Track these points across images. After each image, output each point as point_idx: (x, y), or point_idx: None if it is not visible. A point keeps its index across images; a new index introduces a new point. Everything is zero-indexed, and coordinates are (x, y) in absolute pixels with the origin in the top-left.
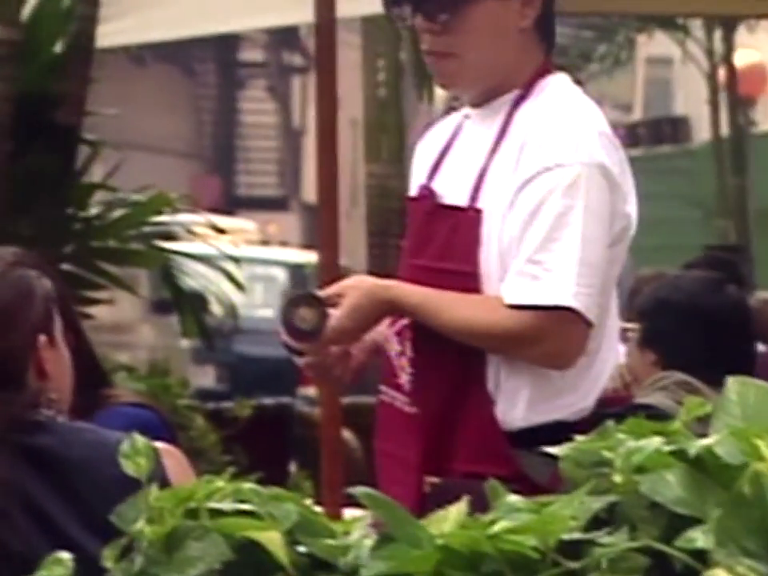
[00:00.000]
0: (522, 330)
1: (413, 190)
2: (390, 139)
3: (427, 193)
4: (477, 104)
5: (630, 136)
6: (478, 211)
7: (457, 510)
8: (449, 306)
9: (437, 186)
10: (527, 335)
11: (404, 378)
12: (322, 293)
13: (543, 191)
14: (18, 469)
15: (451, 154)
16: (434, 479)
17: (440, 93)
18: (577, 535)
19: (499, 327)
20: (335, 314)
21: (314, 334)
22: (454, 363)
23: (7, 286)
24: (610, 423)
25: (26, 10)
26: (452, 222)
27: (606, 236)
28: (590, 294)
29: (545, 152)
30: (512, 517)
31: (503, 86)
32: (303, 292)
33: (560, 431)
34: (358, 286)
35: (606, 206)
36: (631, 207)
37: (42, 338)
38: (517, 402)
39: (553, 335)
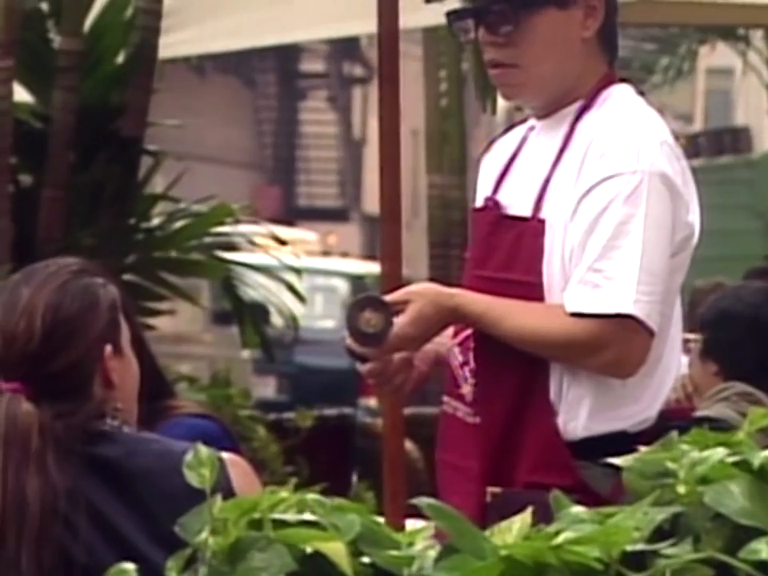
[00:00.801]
0: (583, 338)
1: (478, 202)
2: (452, 150)
3: (492, 204)
4: (541, 115)
5: (690, 147)
6: (541, 221)
7: (521, 521)
8: (512, 314)
9: (501, 197)
10: (589, 343)
11: (466, 389)
12: (388, 298)
13: (604, 200)
14: (83, 479)
15: (516, 165)
16: (496, 489)
17: (502, 103)
18: (640, 546)
19: (561, 335)
20: (399, 321)
21: (378, 338)
22: (517, 373)
23: (72, 296)
24: (674, 434)
25: (89, 21)
26: (516, 232)
27: (668, 245)
28: (651, 302)
29: (606, 161)
30: (576, 528)
31: (567, 96)
32: (369, 295)
33: (622, 442)
34: (423, 293)
35: (667, 215)
36: (693, 216)
37: (108, 348)
38: (579, 412)
39: (614, 343)
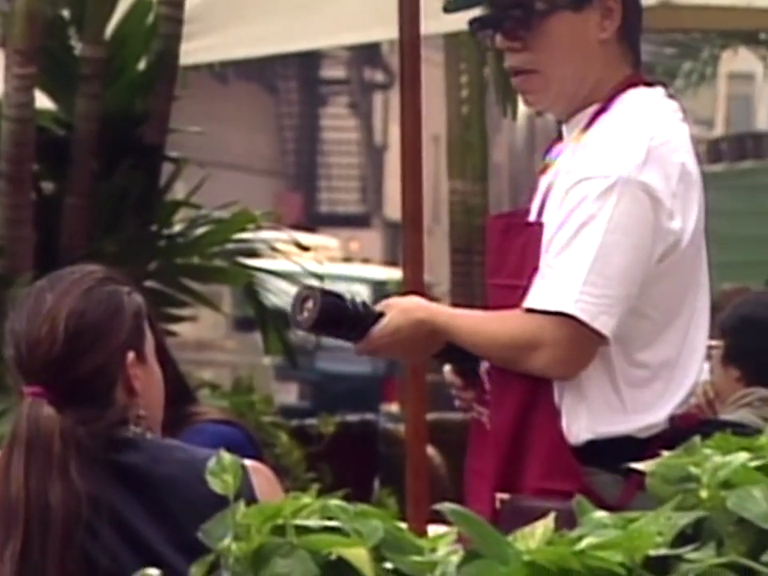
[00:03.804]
0: (522, 335)
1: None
2: (474, 156)
3: (521, 212)
4: (565, 120)
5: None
6: (541, 225)
7: (543, 526)
8: (471, 323)
9: (533, 205)
10: (528, 341)
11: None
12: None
13: (576, 200)
14: (106, 485)
15: (546, 174)
16: (505, 496)
17: (523, 109)
18: (663, 551)
19: (505, 334)
20: (375, 327)
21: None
22: (525, 379)
23: (96, 302)
24: (696, 439)
25: (111, 29)
26: (523, 238)
27: (640, 251)
28: (600, 305)
29: (586, 163)
30: (599, 533)
31: (588, 100)
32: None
33: (631, 448)
34: (397, 304)
35: (640, 221)
36: (679, 223)
37: (131, 355)
38: (578, 414)
39: (550, 341)
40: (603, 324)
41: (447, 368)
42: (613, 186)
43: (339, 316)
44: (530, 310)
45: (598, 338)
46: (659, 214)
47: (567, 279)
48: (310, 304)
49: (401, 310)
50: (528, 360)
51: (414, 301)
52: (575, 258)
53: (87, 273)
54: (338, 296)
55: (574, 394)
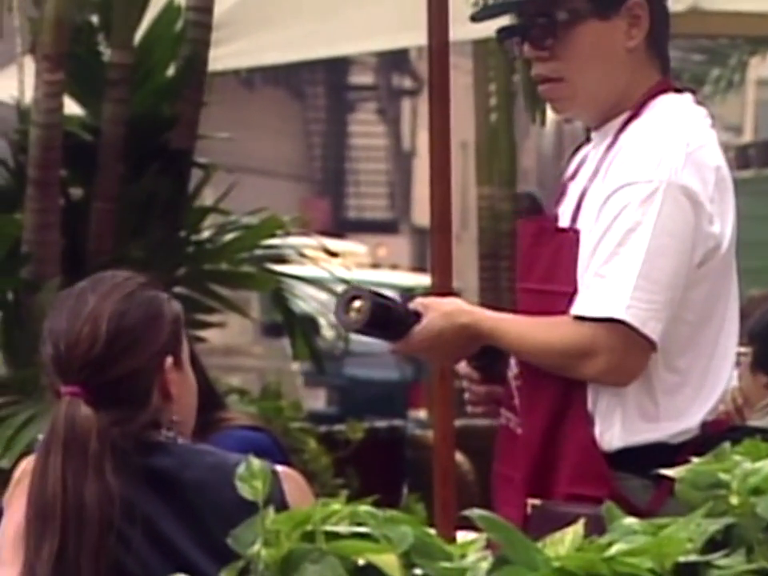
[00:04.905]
0: (577, 343)
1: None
2: (502, 162)
3: (550, 217)
4: (595, 127)
5: (740, 158)
6: (576, 232)
7: (573, 533)
8: (518, 329)
9: (560, 210)
10: (582, 348)
11: (517, 400)
12: (413, 303)
13: (618, 207)
14: (138, 489)
15: (575, 180)
16: (536, 501)
17: (551, 115)
18: (693, 557)
19: (557, 342)
20: (415, 328)
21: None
22: (556, 384)
23: (137, 306)
24: (726, 445)
25: (139, 34)
26: (555, 243)
27: (683, 255)
28: (649, 310)
29: (626, 169)
30: (628, 539)
31: (616, 107)
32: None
33: (662, 454)
34: (439, 306)
35: (682, 225)
36: (720, 227)
37: (169, 360)
38: (613, 422)
39: (606, 349)
40: (652, 329)
41: (463, 362)
42: (655, 191)
43: (387, 317)
44: (579, 317)
45: (648, 343)
46: (700, 217)
47: (617, 286)
48: (357, 304)
49: (443, 313)
50: (582, 367)
51: (454, 303)
52: (624, 265)
53: (128, 277)
54: (385, 296)
55: (610, 400)
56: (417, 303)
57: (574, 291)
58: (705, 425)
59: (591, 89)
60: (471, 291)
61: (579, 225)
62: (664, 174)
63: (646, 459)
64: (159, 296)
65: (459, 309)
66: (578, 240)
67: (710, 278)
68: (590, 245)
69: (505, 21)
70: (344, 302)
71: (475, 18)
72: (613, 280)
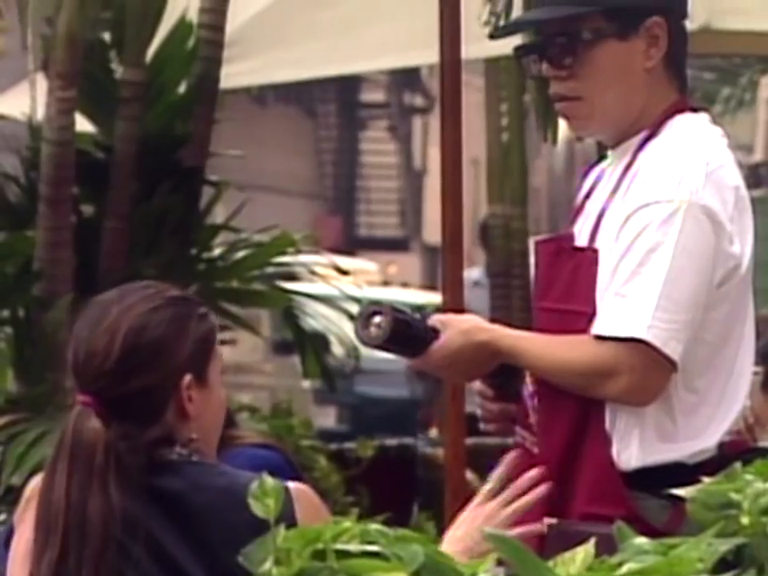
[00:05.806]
0: (598, 362)
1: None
2: (513, 180)
3: (566, 236)
4: (612, 146)
5: (751, 177)
6: (595, 251)
7: (584, 552)
8: (538, 347)
9: (576, 229)
10: (604, 368)
11: (534, 419)
12: (431, 319)
13: (639, 227)
14: (143, 508)
15: (591, 198)
16: (553, 520)
17: (563, 134)
18: None
19: (579, 361)
20: (433, 345)
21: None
22: (574, 403)
23: (158, 321)
24: (737, 465)
25: (151, 52)
26: (574, 263)
27: (704, 275)
28: (670, 330)
29: (646, 189)
30: (639, 559)
31: (634, 127)
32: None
33: (680, 474)
34: (458, 324)
35: (703, 245)
36: (740, 247)
37: (188, 378)
38: (630, 442)
39: (628, 369)
40: (673, 349)
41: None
42: (676, 211)
43: (407, 333)
44: (600, 337)
45: (669, 363)
46: (721, 238)
47: (639, 306)
48: (377, 319)
49: (462, 331)
50: (604, 387)
51: (473, 320)
52: (645, 285)
53: (159, 290)
54: (405, 312)
55: (628, 420)
56: (435, 320)
57: (593, 311)
58: (722, 445)
59: (609, 108)
60: (482, 310)
61: (598, 244)
62: (684, 194)
63: (663, 479)
64: (187, 313)
65: (478, 326)
66: (596, 259)
67: (729, 298)
68: (610, 264)
69: (518, 39)
70: (364, 317)
71: (494, 36)
72: (634, 300)
